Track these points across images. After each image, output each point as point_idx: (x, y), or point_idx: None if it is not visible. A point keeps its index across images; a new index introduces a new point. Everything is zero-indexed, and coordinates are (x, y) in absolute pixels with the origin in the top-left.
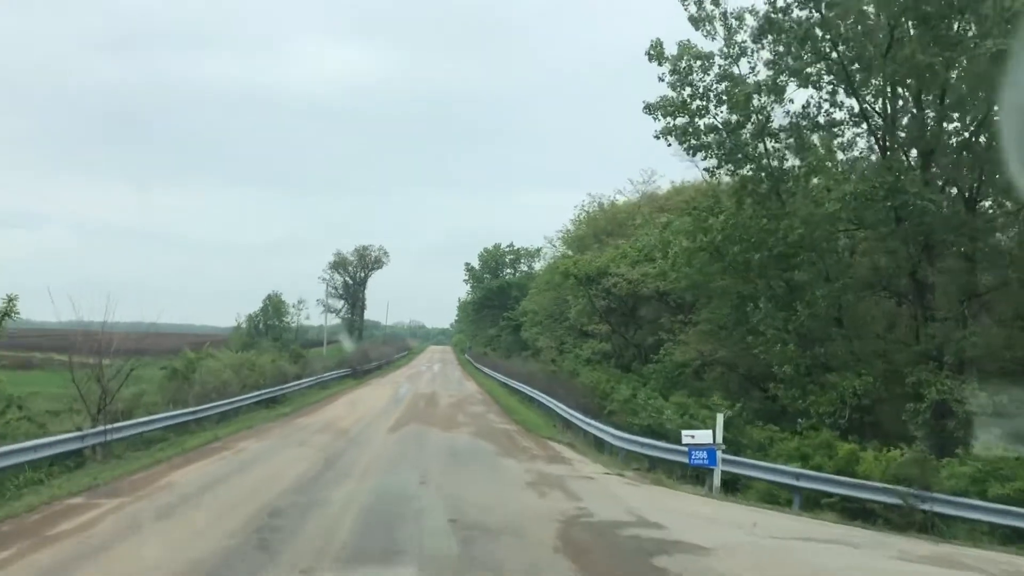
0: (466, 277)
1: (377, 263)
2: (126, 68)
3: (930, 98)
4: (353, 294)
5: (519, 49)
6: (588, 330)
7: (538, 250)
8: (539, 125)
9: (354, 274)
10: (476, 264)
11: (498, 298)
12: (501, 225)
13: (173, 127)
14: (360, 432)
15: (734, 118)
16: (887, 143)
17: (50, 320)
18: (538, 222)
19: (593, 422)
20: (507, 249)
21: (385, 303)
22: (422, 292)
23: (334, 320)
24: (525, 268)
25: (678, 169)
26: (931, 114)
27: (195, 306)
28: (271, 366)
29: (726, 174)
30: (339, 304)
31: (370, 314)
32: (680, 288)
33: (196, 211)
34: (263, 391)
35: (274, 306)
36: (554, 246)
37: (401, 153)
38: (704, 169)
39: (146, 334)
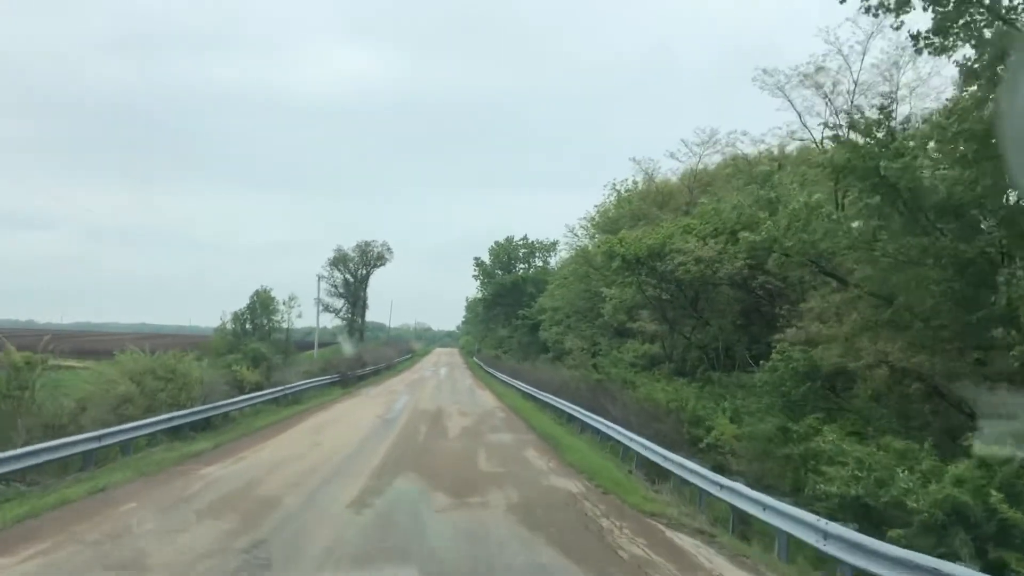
0: (475, 272)
1: (380, 259)
2: (131, 70)
3: None
4: (354, 292)
5: (530, 49)
6: (633, 328)
7: (554, 244)
8: (551, 125)
9: (355, 271)
10: (486, 259)
11: (511, 295)
12: (511, 227)
13: (178, 129)
14: (292, 514)
15: None
16: None
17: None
18: (550, 223)
19: (748, 492)
20: (520, 242)
21: (389, 304)
22: (428, 295)
23: (335, 321)
24: (540, 263)
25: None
26: None
27: (196, 308)
28: (208, 374)
29: (944, 46)
30: (339, 304)
31: (373, 316)
32: (798, 261)
33: (200, 212)
34: (184, 413)
35: (262, 303)
36: (576, 235)
37: (408, 154)
38: (910, 37)
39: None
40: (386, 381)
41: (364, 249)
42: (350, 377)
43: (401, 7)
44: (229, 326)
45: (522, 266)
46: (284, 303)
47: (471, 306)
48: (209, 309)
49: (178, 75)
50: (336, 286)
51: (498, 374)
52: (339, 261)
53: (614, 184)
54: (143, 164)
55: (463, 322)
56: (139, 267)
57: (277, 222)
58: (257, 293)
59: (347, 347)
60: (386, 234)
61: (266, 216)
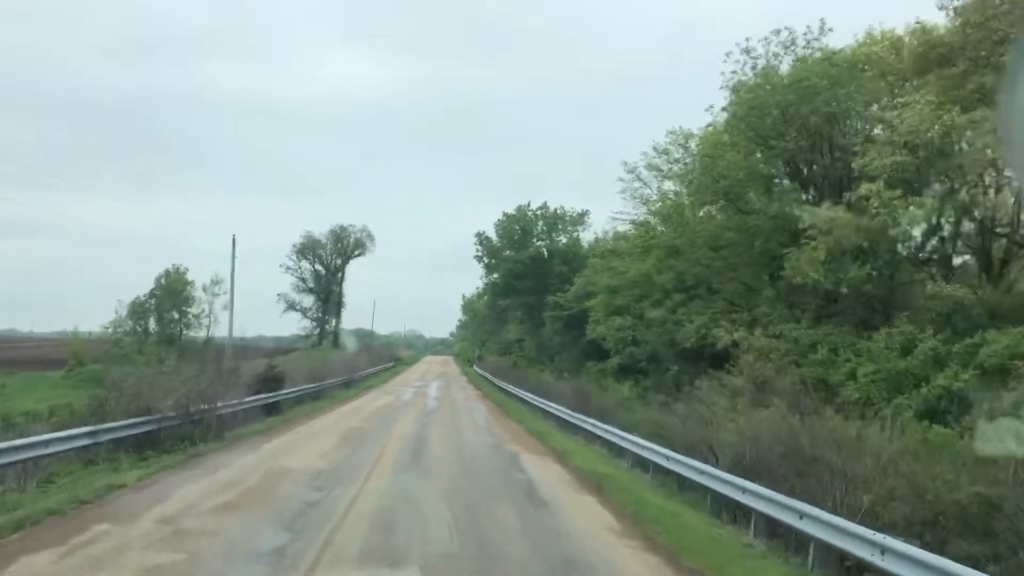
0: (478, 252)
1: (358, 247)
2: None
3: None
4: (325, 287)
5: (535, 56)
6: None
7: (582, 215)
8: (553, 133)
9: (328, 262)
10: (493, 235)
11: (533, 276)
12: None
13: (177, 134)
14: None
15: None
16: None
17: None
18: None
19: None
20: (538, 212)
21: (378, 309)
22: (420, 302)
23: (303, 323)
24: (564, 240)
25: None
26: None
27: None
28: None
29: None
30: (309, 301)
31: (358, 321)
32: None
33: (195, 219)
34: None
35: (169, 289)
36: (640, 179)
37: (401, 160)
38: None
39: None
40: (309, 422)
41: (339, 235)
42: (185, 424)
43: (402, 12)
44: (129, 324)
45: (539, 243)
46: (205, 289)
47: (469, 305)
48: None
49: (172, 78)
50: (304, 279)
51: (535, 400)
52: (308, 249)
53: (742, 49)
54: (135, 170)
55: (458, 327)
56: (128, 275)
57: (261, 228)
58: (167, 273)
59: (351, 345)
60: (379, 239)
61: (263, 223)
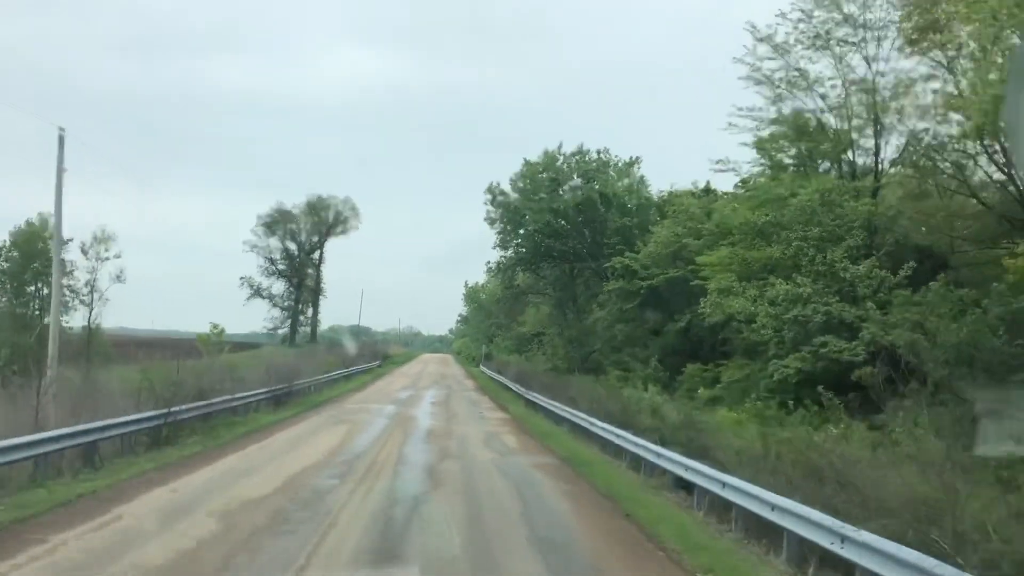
0: (491, 213)
1: (339, 223)
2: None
3: None
4: (299, 271)
5: (543, 53)
6: None
7: (631, 164)
8: (555, 131)
9: (304, 239)
10: (508, 189)
11: (575, 234)
12: None
13: (185, 132)
14: None
15: None
16: None
17: None
18: None
19: None
20: (571, 156)
21: (375, 305)
22: (419, 300)
23: (272, 312)
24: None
25: None
26: None
27: (196, 316)
28: None
29: None
30: (280, 287)
31: (346, 315)
32: None
33: (197, 216)
34: None
35: (28, 250)
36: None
37: (401, 157)
38: None
39: None
40: None
41: (316, 207)
42: None
43: (408, 9)
44: None
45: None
46: (84, 250)
47: (473, 294)
48: (194, 316)
49: (178, 76)
50: (272, 260)
51: (715, 485)
52: (277, 223)
53: None
54: (142, 167)
55: (459, 321)
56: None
57: (251, 225)
58: (28, 225)
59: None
60: (379, 238)
61: (238, 220)
